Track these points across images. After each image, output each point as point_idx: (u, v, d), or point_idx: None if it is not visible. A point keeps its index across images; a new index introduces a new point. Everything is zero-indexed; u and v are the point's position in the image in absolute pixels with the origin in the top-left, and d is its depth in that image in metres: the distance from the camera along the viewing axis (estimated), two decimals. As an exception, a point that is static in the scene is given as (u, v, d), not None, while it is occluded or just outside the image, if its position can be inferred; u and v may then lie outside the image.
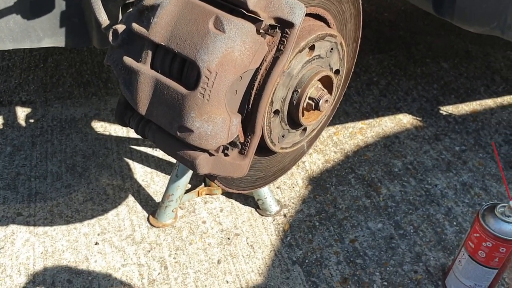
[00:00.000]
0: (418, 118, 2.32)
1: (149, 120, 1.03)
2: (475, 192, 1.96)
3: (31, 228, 1.78)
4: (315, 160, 2.09)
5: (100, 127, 2.21)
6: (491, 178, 2.02)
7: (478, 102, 2.43)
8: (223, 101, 0.92)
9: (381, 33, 2.93)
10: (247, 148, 1.03)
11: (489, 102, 2.43)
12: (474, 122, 2.31)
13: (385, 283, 1.65)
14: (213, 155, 0.99)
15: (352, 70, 1.41)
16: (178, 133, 0.95)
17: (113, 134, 2.18)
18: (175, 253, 1.72)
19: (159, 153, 2.09)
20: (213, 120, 0.93)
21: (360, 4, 1.24)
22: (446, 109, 2.38)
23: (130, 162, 2.05)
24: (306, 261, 1.71)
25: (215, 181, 1.15)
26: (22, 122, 2.23)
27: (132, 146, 2.12)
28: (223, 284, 1.63)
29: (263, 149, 1.15)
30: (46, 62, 2.62)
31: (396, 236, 1.80)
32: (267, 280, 1.65)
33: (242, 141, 1.04)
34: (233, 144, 1.01)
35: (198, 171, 0.98)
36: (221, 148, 0.99)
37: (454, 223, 1.84)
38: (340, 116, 2.31)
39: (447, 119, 2.32)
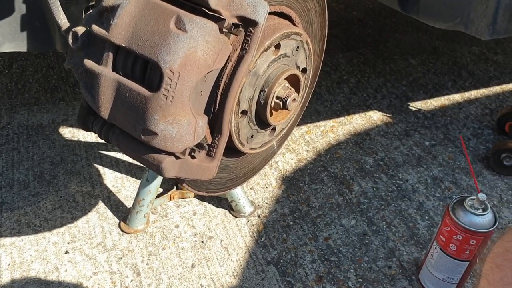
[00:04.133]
0: (388, 115, 2.34)
1: (113, 124, 1.00)
2: (446, 186, 1.99)
3: (-2, 239, 1.73)
4: (288, 160, 2.09)
5: (68, 133, 2.16)
6: (461, 171, 2.05)
7: (446, 97, 2.47)
8: (187, 102, 0.90)
9: (350, 32, 2.95)
10: (214, 149, 1.02)
11: (457, 97, 2.47)
12: (443, 117, 2.34)
13: (360, 280, 1.65)
14: (180, 158, 0.97)
15: (320, 69, 1.41)
16: (142, 137, 0.93)
17: (82, 140, 2.13)
18: (148, 259, 1.69)
19: (129, 158, 2.06)
20: (178, 122, 0.91)
21: (325, 2, 1.24)
22: (415, 105, 2.41)
23: (99, 168, 2.01)
24: (281, 261, 1.70)
25: (184, 184, 1.13)
26: (-14, 130, 2.17)
27: (101, 152, 2.08)
28: (198, 288, 1.61)
29: (232, 150, 1.14)
30: (11, 68, 2.56)
31: (369, 232, 1.81)
32: (242, 282, 1.63)
33: (210, 143, 1.03)
34: (200, 146, 0.99)
35: (164, 175, 0.96)
36: (188, 150, 0.98)
37: (426, 217, 1.86)
38: (312, 115, 2.32)
39: (416, 115, 2.35)
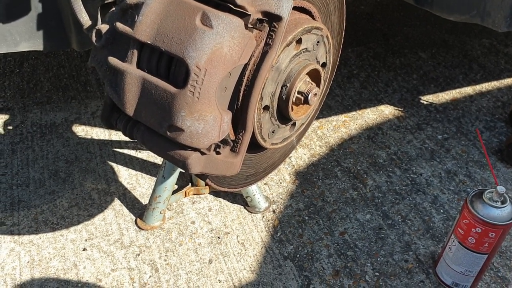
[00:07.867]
0: (399, 109, 2.34)
1: (137, 121, 1.00)
2: (460, 179, 1.99)
3: (16, 237, 1.74)
4: (301, 155, 2.09)
5: (82, 131, 2.17)
6: (475, 164, 2.05)
7: (457, 90, 2.46)
8: (213, 98, 0.91)
9: (358, 26, 2.95)
10: (238, 145, 1.02)
11: (468, 90, 2.47)
12: (454, 110, 2.34)
13: (377, 274, 1.66)
14: (205, 154, 0.98)
15: (338, 63, 1.41)
16: (168, 133, 0.93)
17: (95, 137, 2.14)
18: (165, 255, 1.70)
19: (143, 155, 2.07)
20: (204, 118, 0.91)
21: (343, -4, 1.24)
22: (426, 99, 2.40)
23: (114, 165, 2.02)
24: (298, 255, 1.71)
25: (207, 180, 1.13)
26: (0, 129, 2.17)
27: (115, 149, 2.09)
28: (216, 284, 1.62)
29: (254, 146, 1.14)
30: (22, 67, 2.56)
31: (384, 226, 1.81)
32: (260, 277, 1.64)
33: (233, 139, 1.03)
34: (224, 142, 1.00)
35: (190, 171, 0.97)
36: (213, 146, 0.98)
37: (441, 211, 1.86)
38: (323, 110, 2.32)
39: (428, 108, 2.34)
